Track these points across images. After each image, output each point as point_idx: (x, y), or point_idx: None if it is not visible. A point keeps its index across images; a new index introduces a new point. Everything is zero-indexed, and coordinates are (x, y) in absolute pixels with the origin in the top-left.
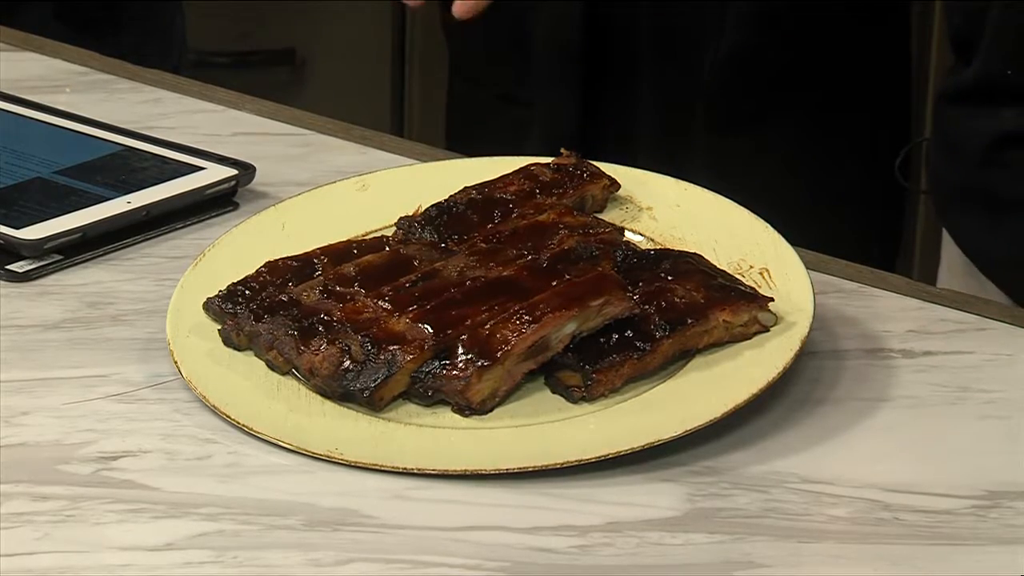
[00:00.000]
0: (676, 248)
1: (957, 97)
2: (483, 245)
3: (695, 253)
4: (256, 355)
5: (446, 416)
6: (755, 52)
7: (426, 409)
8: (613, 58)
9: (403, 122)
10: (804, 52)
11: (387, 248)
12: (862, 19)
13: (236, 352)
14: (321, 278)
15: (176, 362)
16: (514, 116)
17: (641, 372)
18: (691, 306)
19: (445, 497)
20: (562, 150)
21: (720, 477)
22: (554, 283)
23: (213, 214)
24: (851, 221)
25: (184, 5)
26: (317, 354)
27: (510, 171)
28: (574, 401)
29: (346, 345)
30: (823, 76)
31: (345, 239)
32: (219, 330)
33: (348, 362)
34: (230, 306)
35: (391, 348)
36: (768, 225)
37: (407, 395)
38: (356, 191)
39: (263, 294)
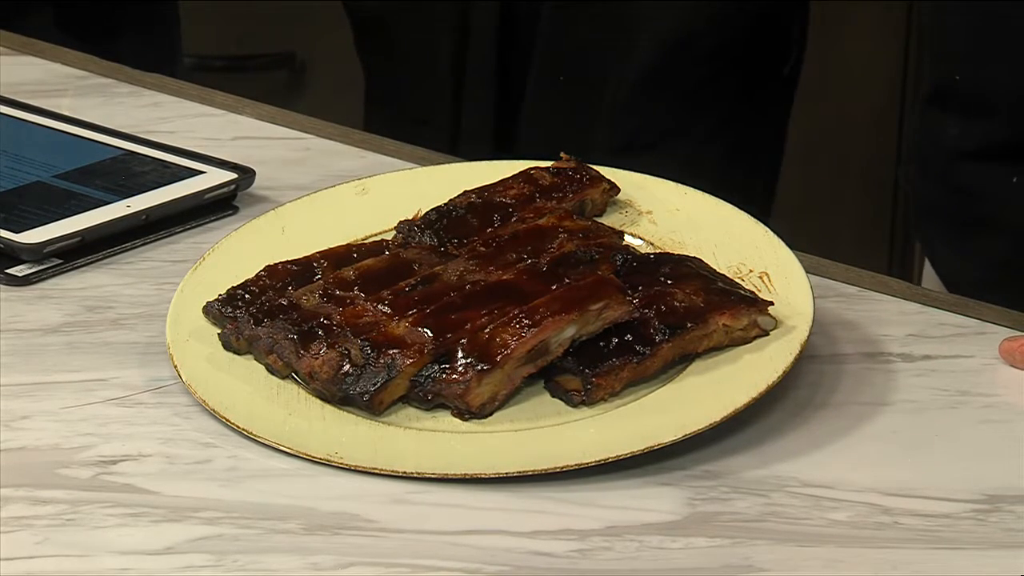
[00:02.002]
0: (676, 252)
1: (922, 105)
2: (483, 249)
3: (695, 257)
4: (256, 359)
5: (446, 420)
6: (666, 72)
7: (426, 413)
8: (523, 78)
9: None
10: (711, 72)
11: (387, 252)
12: (764, 39)
13: (236, 356)
14: (321, 282)
15: (176, 366)
16: (428, 137)
17: (641, 376)
18: (691, 310)
19: (445, 501)
20: (562, 154)
21: (720, 481)
22: (554, 287)
23: (213, 218)
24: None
25: (181, 10)
26: (317, 358)
27: (510, 175)
28: (574, 405)
29: (346, 349)
30: (727, 95)
31: (345, 243)
32: (219, 334)
33: (348, 366)
34: (230, 310)
35: (391, 352)
36: (768, 229)
37: (407, 399)
38: (356, 195)
39: (263, 298)
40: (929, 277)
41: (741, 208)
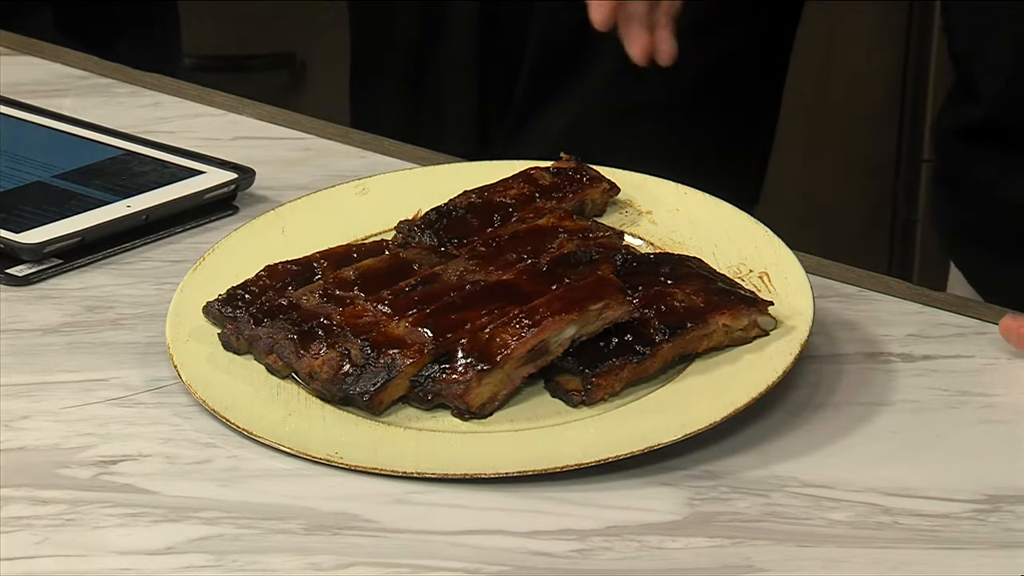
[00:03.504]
0: (676, 252)
1: (965, 133)
2: (483, 249)
3: (695, 257)
4: (256, 359)
5: (446, 420)
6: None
7: (426, 413)
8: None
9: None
10: (705, 64)
11: (387, 252)
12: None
13: (236, 356)
14: (321, 282)
15: (176, 366)
16: (418, 120)
17: (641, 376)
18: (691, 310)
19: (445, 501)
20: (561, 154)
21: (720, 481)
22: (554, 287)
23: (213, 218)
24: None
25: (181, 10)
26: (317, 358)
27: (510, 175)
28: (574, 405)
29: (346, 349)
30: (717, 87)
31: (345, 243)
32: (219, 334)
33: (348, 366)
34: (230, 310)
35: (391, 352)
36: (768, 229)
37: (407, 399)
38: (356, 195)
39: (263, 298)
40: (954, 287)
41: (739, 207)
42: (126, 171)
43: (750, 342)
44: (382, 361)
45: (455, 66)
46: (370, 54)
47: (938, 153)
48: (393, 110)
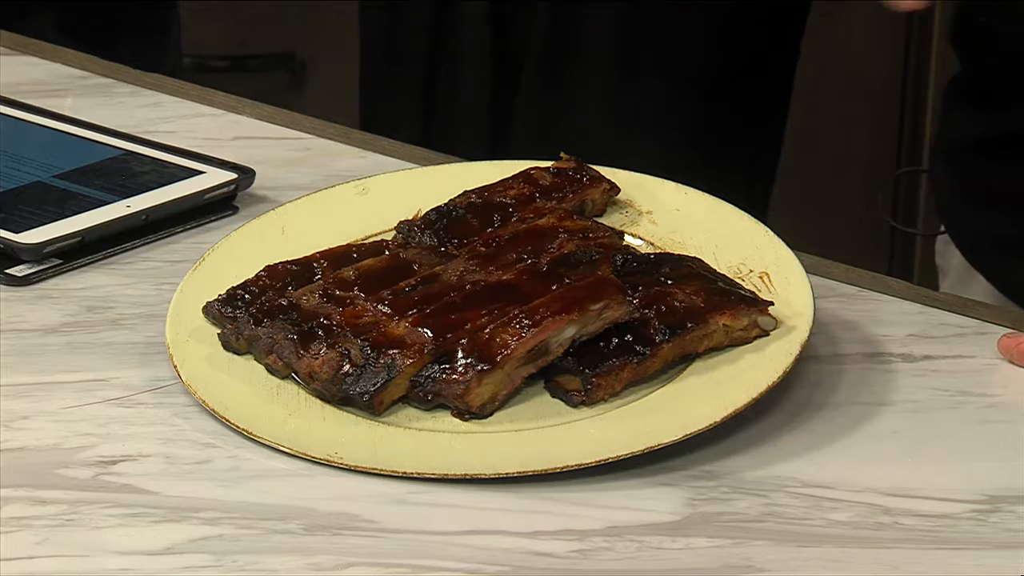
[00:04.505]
0: (676, 252)
1: (1000, 142)
2: (483, 249)
3: (695, 257)
4: (255, 359)
5: (446, 420)
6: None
7: (426, 413)
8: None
9: None
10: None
11: (387, 252)
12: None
13: (235, 356)
14: (321, 282)
15: (175, 366)
16: (427, 118)
17: (641, 376)
18: (691, 310)
19: (444, 501)
20: (562, 154)
21: (720, 481)
22: (554, 287)
23: (213, 218)
24: None
25: (181, 10)
26: (316, 358)
27: (510, 175)
28: (574, 405)
29: (345, 349)
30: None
31: (345, 243)
32: (218, 334)
33: (347, 366)
34: (229, 310)
35: (391, 352)
36: (768, 229)
37: (407, 399)
38: (356, 195)
39: (262, 298)
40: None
41: (740, 207)
42: (126, 171)
43: (750, 342)
44: (382, 361)
45: (468, 66)
46: (382, 59)
47: (959, 166)
48: (406, 113)
